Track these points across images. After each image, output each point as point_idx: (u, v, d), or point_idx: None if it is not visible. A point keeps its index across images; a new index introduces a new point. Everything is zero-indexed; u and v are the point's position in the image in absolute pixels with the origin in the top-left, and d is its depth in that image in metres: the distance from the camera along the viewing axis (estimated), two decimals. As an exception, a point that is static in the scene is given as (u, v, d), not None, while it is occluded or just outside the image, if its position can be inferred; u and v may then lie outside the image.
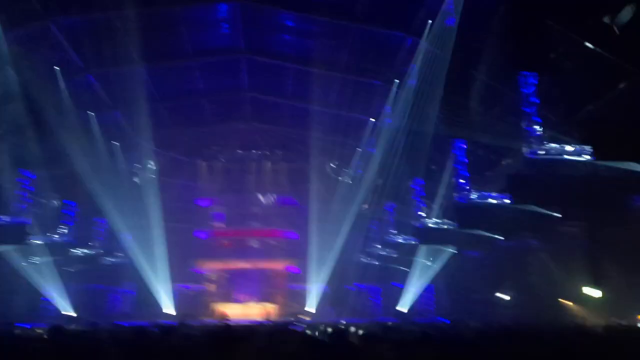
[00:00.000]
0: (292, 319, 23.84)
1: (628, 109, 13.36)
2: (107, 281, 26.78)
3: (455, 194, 17.35)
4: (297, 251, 30.17)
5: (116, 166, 25.40)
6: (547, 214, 17.24)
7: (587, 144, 14.30)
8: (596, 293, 18.12)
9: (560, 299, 19.71)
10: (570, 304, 19.58)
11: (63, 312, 22.96)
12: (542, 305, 19.11)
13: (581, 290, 18.69)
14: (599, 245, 17.24)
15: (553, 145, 14.78)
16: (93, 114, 21.99)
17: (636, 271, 16.42)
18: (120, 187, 24.48)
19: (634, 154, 12.47)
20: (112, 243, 25.54)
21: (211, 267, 29.87)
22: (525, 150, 14.97)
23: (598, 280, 17.94)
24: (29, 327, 14.55)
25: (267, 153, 30.56)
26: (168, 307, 27.81)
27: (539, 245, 20.52)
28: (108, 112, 23.32)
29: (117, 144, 25.20)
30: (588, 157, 14.18)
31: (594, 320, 16.18)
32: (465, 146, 17.97)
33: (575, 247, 18.23)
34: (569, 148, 14.62)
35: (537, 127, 14.93)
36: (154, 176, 28.24)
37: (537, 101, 15.15)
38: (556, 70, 14.47)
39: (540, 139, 14.88)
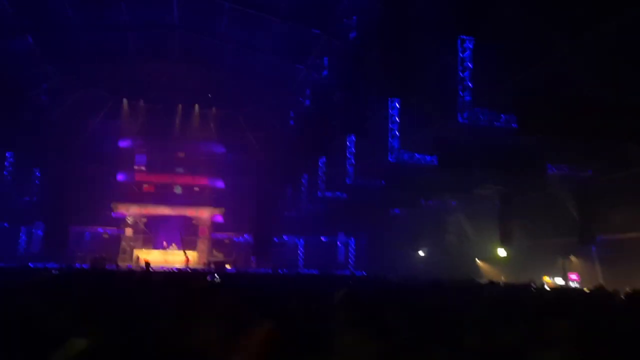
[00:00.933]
0: (212, 267, 23.72)
1: (554, 82, 14.00)
2: (15, 221, 25.02)
3: (385, 153, 17.55)
4: (222, 200, 29.69)
5: (28, 99, 23.28)
6: (468, 177, 18.04)
7: (513, 114, 14.92)
8: (503, 253, 19.49)
9: (471, 257, 21.01)
10: (480, 261, 20.94)
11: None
12: (455, 262, 20.26)
13: (490, 250, 20.01)
14: (511, 210, 18.38)
15: (482, 111, 15.24)
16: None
17: (540, 235, 17.79)
18: (31, 121, 22.55)
19: (554, 127, 13.16)
20: (20, 179, 23.67)
21: (131, 211, 28.68)
22: (455, 114, 15.32)
23: (506, 241, 19.23)
24: None
25: (196, 96, 29.13)
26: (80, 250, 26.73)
27: (457, 206, 21.56)
28: (19, 38, 21.08)
29: (28, 74, 22.99)
30: (512, 126, 14.82)
31: (497, 276, 17.45)
32: (398, 105, 18.09)
33: (488, 209, 19.32)
34: (496, 116, 15.15)
35: (468, 93, 15.27)
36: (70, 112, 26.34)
37: (471, 66, 15.44)
38: (491, 37, 14.75)
39: (471, 105, 15.27)
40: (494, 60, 15.00)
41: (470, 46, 15.46)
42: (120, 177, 29.36)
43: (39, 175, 25.53)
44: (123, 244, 28.29)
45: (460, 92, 15.36)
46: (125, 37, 23.70)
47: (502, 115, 15.30)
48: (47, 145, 24.33)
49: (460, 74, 15.43)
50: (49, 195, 25.28)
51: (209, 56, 25.39)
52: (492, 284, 10.67)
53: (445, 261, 20.69)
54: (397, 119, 17.63)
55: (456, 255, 20.95)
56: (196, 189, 30.21)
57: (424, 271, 20.51)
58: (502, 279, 16.69)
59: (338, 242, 27.41)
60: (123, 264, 25.29)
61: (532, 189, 17.16)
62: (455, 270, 18.85)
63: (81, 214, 26.65)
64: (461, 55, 15.45)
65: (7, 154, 22.63)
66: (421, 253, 23.44)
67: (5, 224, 24.81)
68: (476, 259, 21.00)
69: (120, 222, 28.76)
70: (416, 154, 17.22)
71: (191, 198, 29.75)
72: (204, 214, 29.30)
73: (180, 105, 29.67)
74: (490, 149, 15.00)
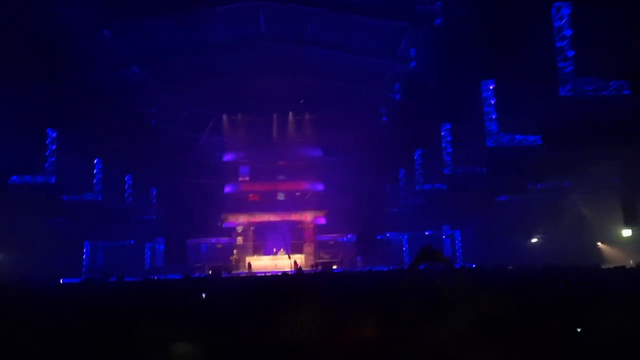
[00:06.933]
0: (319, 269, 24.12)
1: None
2: (139, 238, 27.35)
3: (483, 138, 16.77)
4: (324, 202, 30.20)
5: (140, 124, 25.42)
6: (579, 154, 16.62)
7: (626, 79, 13.52)
8: (627, 233, 17.70)
9: (591, 241, 19.33)
10: (602, 245, 19.22)
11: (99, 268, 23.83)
12: (574, 248, 18.76)
13: (612, 231, 18.28)
14: (632, 185, 16.67)
15: (587, 81, 14.00)
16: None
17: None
18: (144, 144, 24.55)
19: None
20: (140, 199, 25.89)
21: (240, 220, 30.15)
22: (556, 87, 14.24)
23: (630, 220, 17.46)
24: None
25: (289, 103, 30.00)
26: (199, 261, 28.50)
27: (570, 187, 19.96)
28: (128, 68, 23.14)
29: (139, 101, 25.12)
30: (624, 92, 13.45)
31: (624, 260, 15.83)
32: (493, 87, 17.21)
33: (608, 187, 17.67)
34: (604, 84, 13.83)
35: (569, 63, 14.12)
36: (177, 132, 28.37)
37: (569, 34, 14.27)
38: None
39: (574, 76, 14.10)
40: (597, 23, 13.70)
41: (567, 12, 14.32)
42: (227, 189, 31.03)
43: (156, 194, 27.76)
44: (235, 252, 29.77)
45: (561, 63, 14.29)
46: (220, 55, 24.91)
47: (611, 83, 13.97)
48: (160, 166, 26.37)
49: (559, 44, 14.34)
50: (166, 212, 27.35)
51: (297, 62, 25.95)
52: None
53: (563, 248, 19.20)
54: (492, 101, 16.79)
55: (575, 240, 19.37)
56: (297, 193, 31.01)
57: (542, 259, 19.23)
58: (630, 262, 15.14)
59: (443, 236, 26.59)
60: (237, 272, 26.60)
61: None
62: (575, 256, 17.45)
63: (196, 227, 28.52)
64: (557, 23, 14.38)
65: (126, 178, 24.86)
66: (535, 240, 21.99)
67: (132, 242, 27.28)
68: (598, 243, 19.28)
69: (232, 231, 30.30)
70: (517, 136, 16.23)
71: (294, 203, 30.58)
72: (307, 217, 29.97)
73: (275, 115, 30.77)
74: (601, 121, 13.70)
